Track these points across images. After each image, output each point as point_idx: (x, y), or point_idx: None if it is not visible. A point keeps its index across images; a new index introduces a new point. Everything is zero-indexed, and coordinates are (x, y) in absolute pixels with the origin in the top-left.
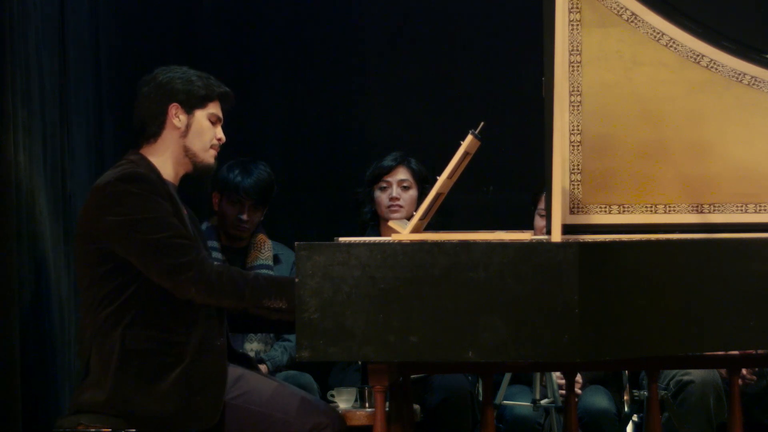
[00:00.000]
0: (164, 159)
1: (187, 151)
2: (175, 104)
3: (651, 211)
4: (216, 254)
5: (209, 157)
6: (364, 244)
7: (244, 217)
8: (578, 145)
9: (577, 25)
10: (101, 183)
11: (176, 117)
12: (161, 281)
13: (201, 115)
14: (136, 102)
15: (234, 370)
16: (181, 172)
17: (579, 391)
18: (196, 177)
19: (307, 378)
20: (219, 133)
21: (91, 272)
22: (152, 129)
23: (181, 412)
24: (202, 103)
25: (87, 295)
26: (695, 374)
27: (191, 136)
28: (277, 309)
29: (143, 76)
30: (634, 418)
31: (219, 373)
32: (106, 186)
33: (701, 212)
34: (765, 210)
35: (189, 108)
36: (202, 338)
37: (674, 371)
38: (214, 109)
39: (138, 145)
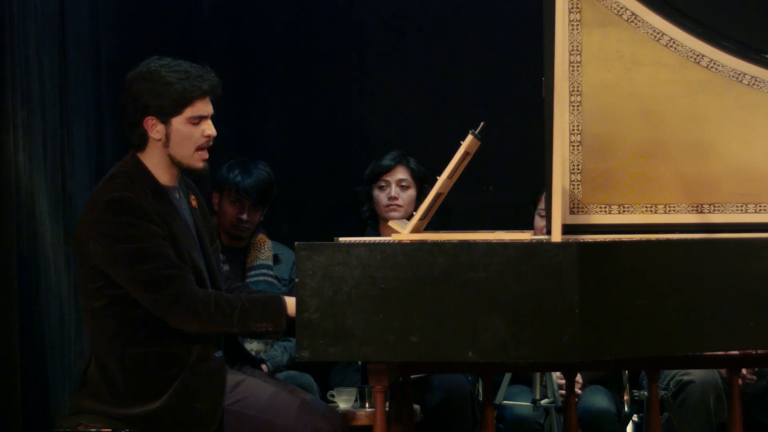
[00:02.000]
0: (156, 164)
1: (172, 159)
2: (149, 117)
3: (651, 211)
4: None
5: (195, 161)
6: (364, 244)
7: (244, 217)
8: (578, 145)
9: (577, 25)
10: (94, 199)
11: (153, 129)
12: (151, 309)
13: (178, 122)
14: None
15: (234, 376)
16: (176, 174)
17: (579, 391)
18: (189, 176)
19: (307, 378)
20: (207, 129)
21: (86, 286)
22: (136, 141)
23: (181, 417)
24: (176, 111)
25: (86, 303)
26: (695, 374)
27: (173, 145)
28: (263, 332)
29: (123, 82)
30: (634, 418)
31: (218, 381)
32: (95, 208)
33: (701, 212)
34: (765, 210)
35: (164, 118)
36: (202, 350)
37: (674, 371)
38: (192, 111)
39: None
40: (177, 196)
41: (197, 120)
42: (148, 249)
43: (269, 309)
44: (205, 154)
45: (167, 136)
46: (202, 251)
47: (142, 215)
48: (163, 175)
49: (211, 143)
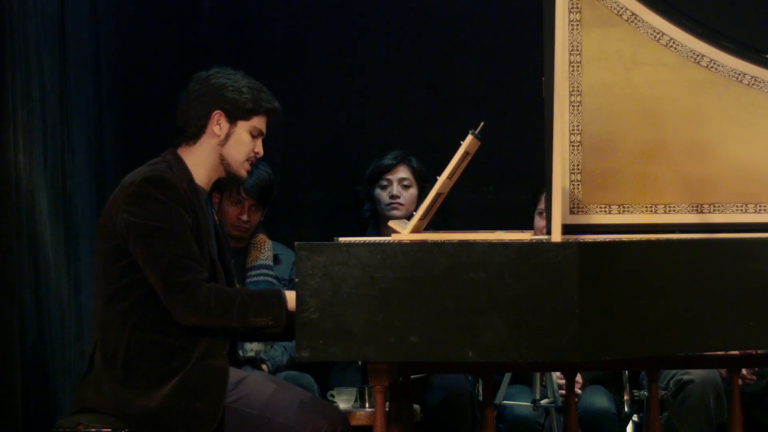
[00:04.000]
0: (199, 163)
1: (222, 160)
2: (219, 111)
3: (651, 211)
4: None
5: (243, 169)
6: (364, 244)
7: (245, 217)
8: (578, 145)
9: (577, 25)
10: (129, 180)
11: (217, 124)
12: (157, 291)
13: (243, 127)
14: (182, 96)
15: (235, 374)
16: (214, 178)
17: (579, 391)
18: (227, 184)
19: (307, 378)
20: (258, 146)
21: (105, 266)
22: (192, 130)
23: (181, 417)
24: (246, 116)
25: (98, 287)
26: (695, 374)
27: (229, 146)
28: (263, 326)
29: (199, 72)
30: (634, 418)
31: (220, 379)
32: (131, 185)
33: (701, 212)
34: (765, 210)
35: (232, 118)
36: (207, 345)
37: (674, 371)
38: (257, 123)
39: (176, 143)
40: (207, 200)
41: (257, 133)
42: (174, 232)
43: (269, 302)
44: (249, 167)
45: (228, 136)
46: (220, 260)
47: (177, 198)
48: (201, 174)
49: (255, 161)
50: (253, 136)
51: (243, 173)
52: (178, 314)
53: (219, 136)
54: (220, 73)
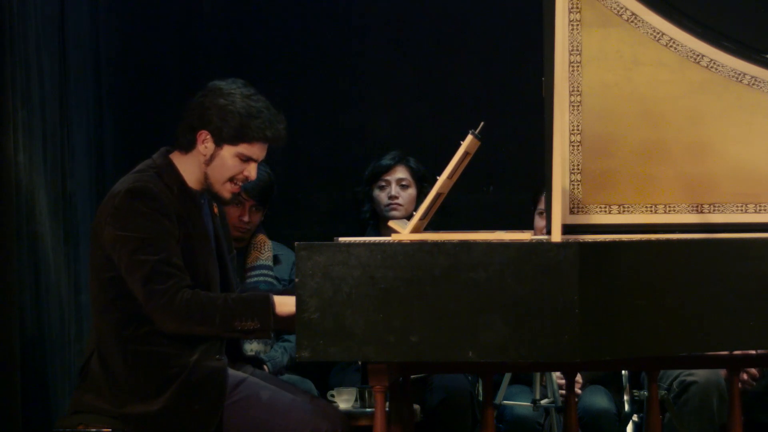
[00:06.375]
0: (189, 171)
1: (206, 178)
2: (205, 131)
3: (651, 211)
4: None
5: (225, 191)
6: (364, 244)
7: (245, 218)
8: (578, 145)
9: (577, 25)
10: (115, 190)
11: (203, 144)
12: (139, 299)
13: (229, 151)
14: (186, 105)
15: (235, 376)
16: (204, 183)
17: (579, 391)
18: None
19: (308, 384)
20: (248, 171)
21: (98, 276)
22: (183, 142)
23: (180, 418)
24: (233, 141)
25: (93, 293)
26: (699, 375)
27: (213, 167)
28: (250, 330)
29: (214, 81)
30: (634, 418)
31: (219, 380)
32: (115, 197)
33: (701, 212)
34: (765, 210)
35: (218, 140)
36: (203, 352)
37: (677, 372)
38: (246, 150)
39: (172, 146)
40: (201, 201)
41: (246, 159)
42: (155, 241)
43: (255, 306)
44: (237, 188)
45: (212, 157)
46: (218, 258)
47: (158, 208)
48: (191, 179)
49: (245, 182)
50: (242, 161)
51: (225, 195)
52: (158, 321)
53: (205, 155)
54: (219, 91)
